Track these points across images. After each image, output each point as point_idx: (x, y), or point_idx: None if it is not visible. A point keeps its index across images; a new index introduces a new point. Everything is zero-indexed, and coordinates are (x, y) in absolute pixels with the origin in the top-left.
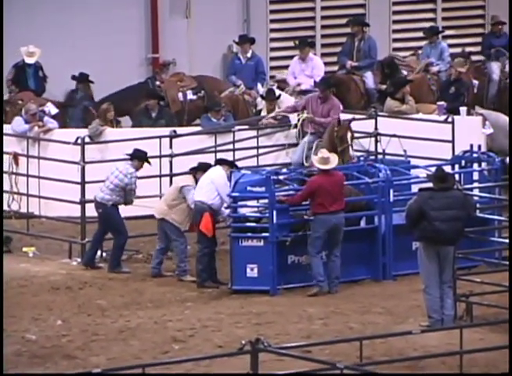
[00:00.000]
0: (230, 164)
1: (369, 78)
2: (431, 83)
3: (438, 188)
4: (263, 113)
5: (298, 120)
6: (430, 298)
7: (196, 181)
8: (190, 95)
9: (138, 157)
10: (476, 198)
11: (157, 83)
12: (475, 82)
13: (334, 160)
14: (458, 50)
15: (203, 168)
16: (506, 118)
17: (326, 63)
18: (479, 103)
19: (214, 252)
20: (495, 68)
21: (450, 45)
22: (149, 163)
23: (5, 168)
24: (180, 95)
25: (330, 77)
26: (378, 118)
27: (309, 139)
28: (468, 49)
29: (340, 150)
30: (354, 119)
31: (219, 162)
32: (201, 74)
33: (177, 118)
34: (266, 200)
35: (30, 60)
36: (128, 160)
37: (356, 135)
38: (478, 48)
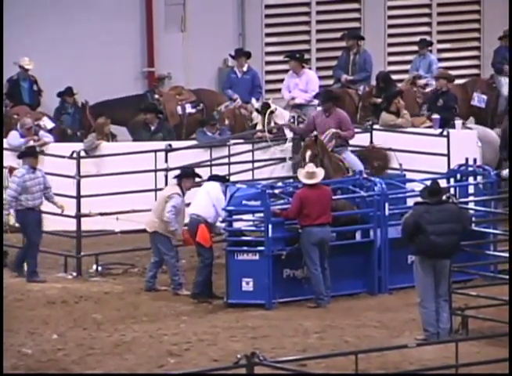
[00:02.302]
0: (222, 180)
1: None
2: (418, 96)
3: (433, 202)
4: (258, 127)
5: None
6: (425, 312)
7: (182, 189)
8: (189, 109)
9: (27, 154)
10: (471, 212)
11: (156, 96)
12: (484, 97)
13: (320, 174)
14: (453, 64)
15: (186, 174)
16: (494, 133)
17: (321, 77)
18: (488, 118)
19: (212, 264)
20: (504, 83)
21: (446, 59)
22: (38, 153)
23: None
24: (179, 108)
25: (327, 90)
26: (373, 132)
27: None
28: (464, 63)
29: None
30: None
31: (212, 179)
32: (197, 87)
33: (175, 132)
34: (261, 214)
35: (29, 67)
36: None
37: (353, 149)
38: (474, 62)
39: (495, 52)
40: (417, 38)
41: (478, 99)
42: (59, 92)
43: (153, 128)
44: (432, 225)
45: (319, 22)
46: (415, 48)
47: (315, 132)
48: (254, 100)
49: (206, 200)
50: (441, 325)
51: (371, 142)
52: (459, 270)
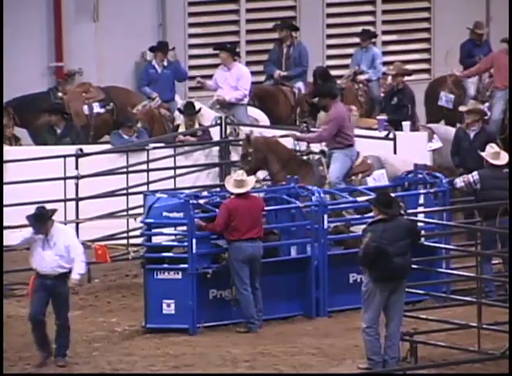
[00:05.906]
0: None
1: (375, 87)
2: (359, 94)
3: (389, 216)
4: (181, 129)
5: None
6: (370, 340)
7: None
8: (97, 109)
9: None
10: (420, 224)
11: (59, 94)
12: (451, 96)
13: (251, 182)
14: (400, 57)
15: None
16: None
17: (252, 73)
18: (457, 119)
19: None
20: (470, 83)
21: (391, 52)
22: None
23: None
24: (85, 107)
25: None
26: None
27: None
28: (412, 57)
29: None
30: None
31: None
32: (111, 84)
33: (82, 134)
34: (184, 227)
35: None
36: None
37: None
38: (424, 56)
39: (461, 47)
40: (360, 29)
41: (446, 99)
42: None
43: (59, 131)
44: (392, 245)
45: (249, 10)
46: (357, 40)
47: (248, 130)
48: (177, 97)
49: None
50: (391, 354)
51: (308, 146)
52: (407, 290)
